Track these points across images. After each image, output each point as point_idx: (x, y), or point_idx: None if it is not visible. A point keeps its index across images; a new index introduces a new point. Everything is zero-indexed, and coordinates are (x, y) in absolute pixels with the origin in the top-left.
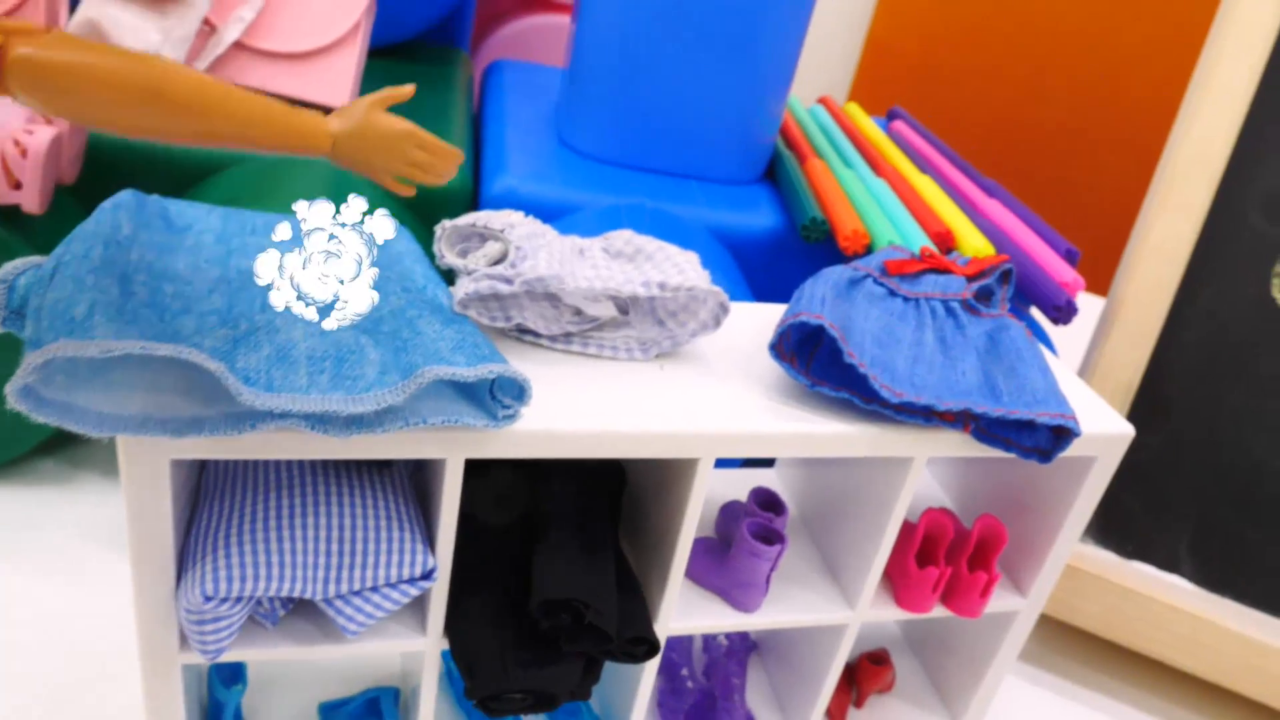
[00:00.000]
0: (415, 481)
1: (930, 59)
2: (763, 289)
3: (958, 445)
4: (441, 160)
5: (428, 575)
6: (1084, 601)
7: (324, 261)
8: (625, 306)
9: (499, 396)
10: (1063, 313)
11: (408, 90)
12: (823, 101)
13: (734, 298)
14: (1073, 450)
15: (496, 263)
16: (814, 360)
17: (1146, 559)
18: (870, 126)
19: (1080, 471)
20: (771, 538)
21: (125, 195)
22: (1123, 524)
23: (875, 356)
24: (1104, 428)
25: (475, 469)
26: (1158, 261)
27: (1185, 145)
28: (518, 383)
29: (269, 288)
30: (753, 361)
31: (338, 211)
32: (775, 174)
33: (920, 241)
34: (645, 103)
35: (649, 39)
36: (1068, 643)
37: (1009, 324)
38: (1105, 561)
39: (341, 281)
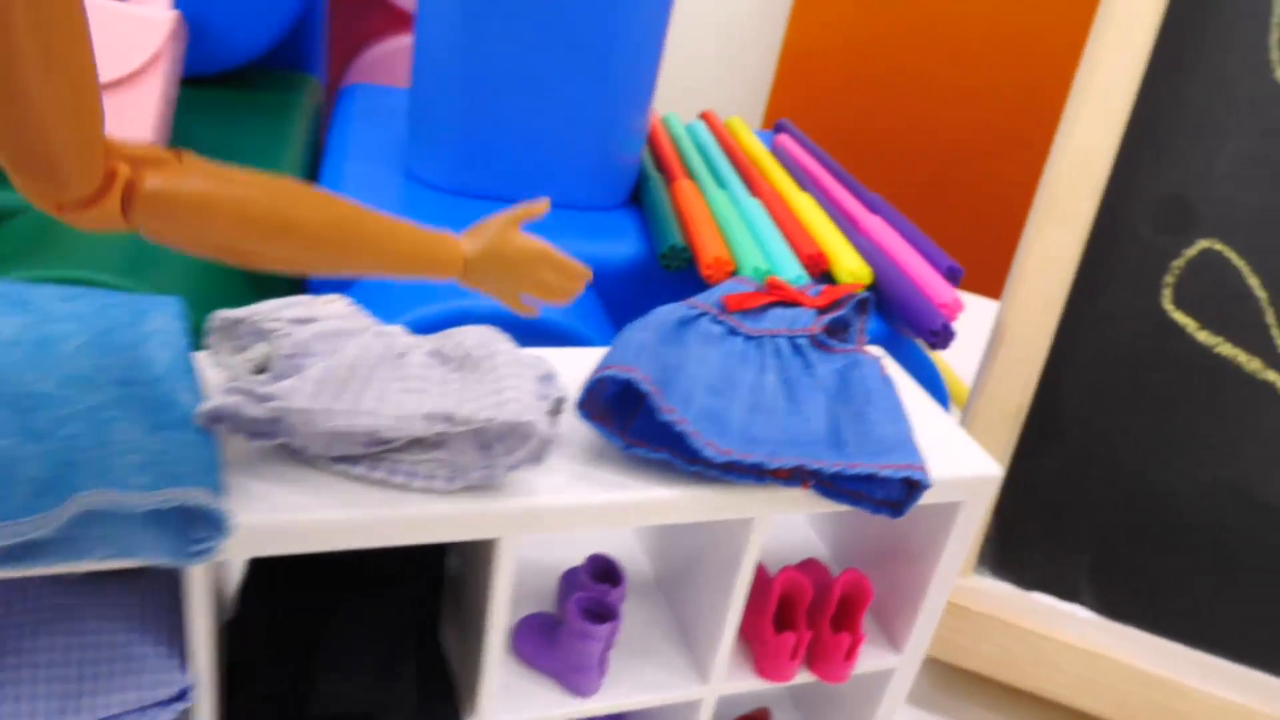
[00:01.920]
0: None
1: (848, 68)
2: (628, 323)
3: (803, 502)
4: (570, 281)
5: (182, 696)
6: (975, 643)
7: None
8: None
9: (193, 527)
10: (939, 337)
11: (542, 207)
12: (704, 117)
13: (596, 334)
14: (938, 496)
15: (262, 371)
16: (638, 415)
17: (1046, 589)
18: (752, 142)
19: (947, 517)
20: (605, 614)
21: None
22: (1020, 554)
23: (706, 407)
24: (970, 470)
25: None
26: (1044, 278)
27: (1067, 155)
28: (213, 515)
29: None
30: (573, 419)
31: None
32: (641, 198)
33: (792, 265)
34: (492, 128)
35: (493, 58)
36: (962, 684)
37: (861, 361)
38: (1000, 597)
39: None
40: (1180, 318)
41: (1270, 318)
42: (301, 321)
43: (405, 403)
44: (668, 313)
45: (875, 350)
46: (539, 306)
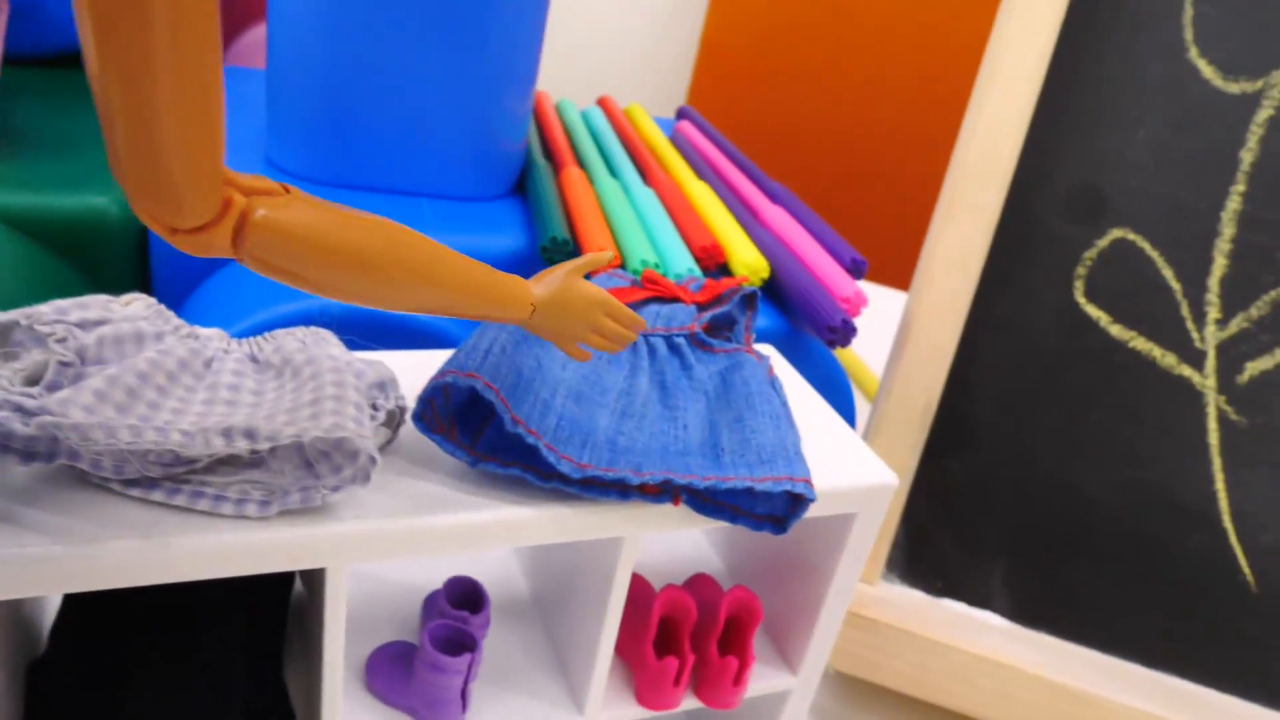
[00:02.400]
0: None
1: (767, 57)
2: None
3: (675, 519)
4: (627, 329)
5: None
6: (884, 658)
7: None
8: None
9: None
10: (838, 334)
11: (606, 256)
12: (601, 103)
13: (469, 334)
14: (831, 508)
15: (37, 382)
16: (489, 426)
17: (958, 596)
18: (651, 129)
19: (840, 530)
20: (466, 642)
21: None
22: (932, 560)
23: (568, 416)
24: (865, 480)
25: None
26: (951, 273)
27: (973, 144)
28: None
29: None
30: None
31: None
32: (525, 188)
33: (684, 258)
34: (358, 110)
35: (354, 35)
36: (870, 699)
37: (744, 361)
38: (910, 607)
39: None
40: (1093, 311)
41: (1185, 310)
42: (87, 325)
43: (208, 416)
44: None
45: (765, 349)
46: (589, 352)
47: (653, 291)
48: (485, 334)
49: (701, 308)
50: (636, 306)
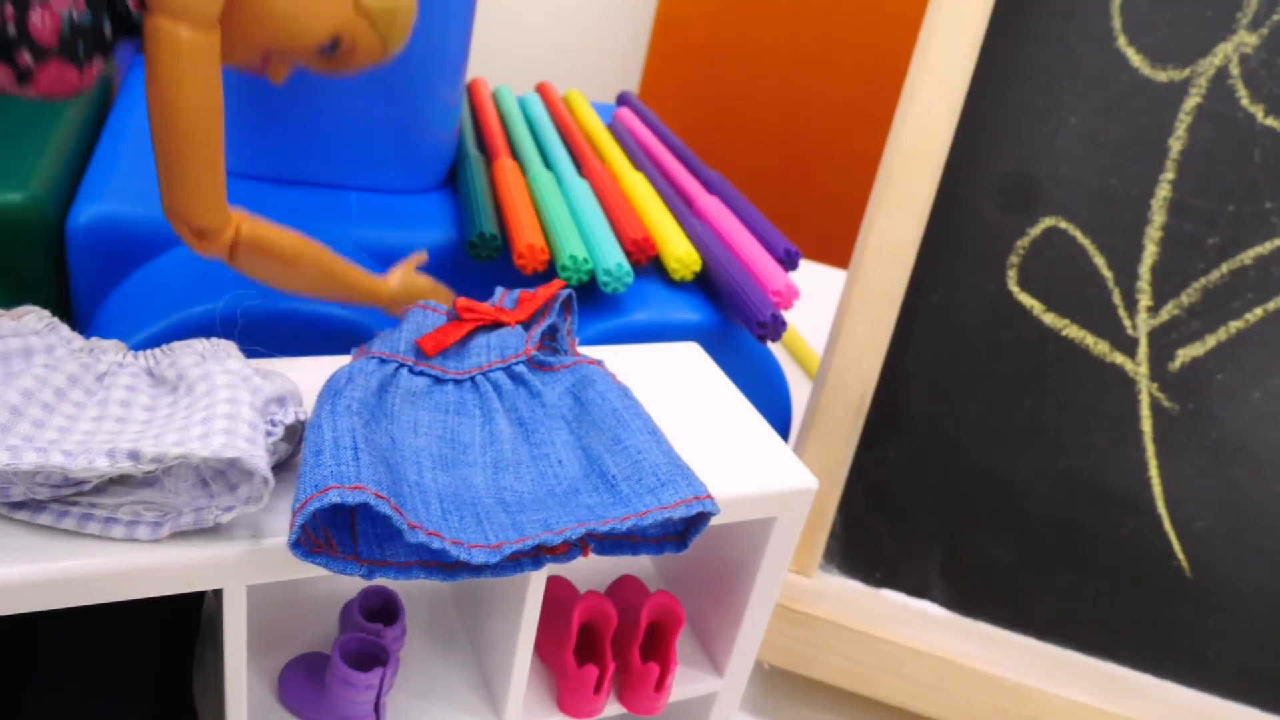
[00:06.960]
0: None
1: (724, 36)
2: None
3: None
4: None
5: None
6: (819, 652)
7: None
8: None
9: None
10: (768, 329)
11: (421, 256)
12: (540, 89)
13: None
14: (752, 511)
15: None
16: (363, 519)
17: (896, 586)
18: (589, 117)
19: (762, 534)
20: (379, 655)
21: None
22: (869, 550)
23: (445, 492)
24: (785, 483)
25: None
26: (884, 263)
27: (905, 133)
28: None
29: None
30: None
31: None
32: (457, 180)
33: (615, 252)
34: (279, 100)
35: None
36: (805, 692)
37: (590, 374)
38: (846, 600)
39: None
40: (1026, 300)
41: (1117, 298)
42: None
43: (96, 435)
44: (365, 375)
45: (595, 352)
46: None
47: (473, 321)
48: (339, 417)
49: (526, 325)
50: (462, 344)
